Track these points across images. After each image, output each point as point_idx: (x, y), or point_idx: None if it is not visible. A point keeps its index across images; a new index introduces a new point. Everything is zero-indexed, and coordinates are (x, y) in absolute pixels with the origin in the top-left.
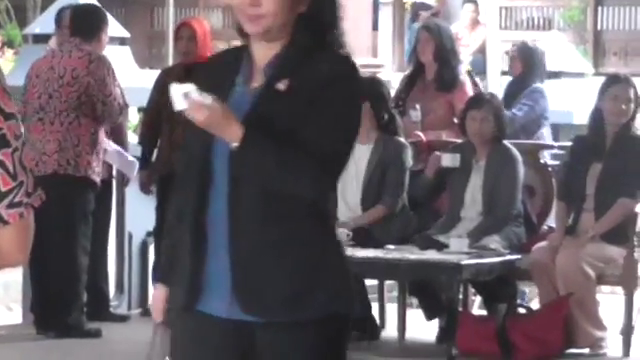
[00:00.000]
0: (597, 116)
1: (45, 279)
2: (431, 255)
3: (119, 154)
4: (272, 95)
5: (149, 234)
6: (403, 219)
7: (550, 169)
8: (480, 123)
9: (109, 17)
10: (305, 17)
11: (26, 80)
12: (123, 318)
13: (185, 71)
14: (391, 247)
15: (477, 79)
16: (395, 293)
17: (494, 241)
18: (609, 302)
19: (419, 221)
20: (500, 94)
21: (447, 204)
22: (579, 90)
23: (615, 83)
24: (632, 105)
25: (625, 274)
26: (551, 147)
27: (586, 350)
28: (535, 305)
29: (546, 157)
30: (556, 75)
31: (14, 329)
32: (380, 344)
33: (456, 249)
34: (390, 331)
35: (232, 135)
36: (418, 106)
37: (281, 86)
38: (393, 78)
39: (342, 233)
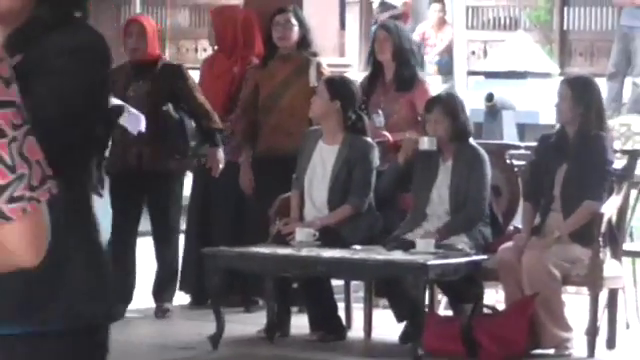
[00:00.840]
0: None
1: None
2: (397, 255)
3: (125, 108)
4: None
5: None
6: (370, 219)
7: (516, 169)
8: (434, 125)
9: None
10: None
11: None
12: None
13: (133, 69)
14: (357, 247)
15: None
16: (361, 293)
17: (460, 241)
18: (574, 302)
19: (385, 221)
20: (467, 94)
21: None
22: (545, 90)
23: (561, 83)
24: (571, 105)
25: (590, 274)
26: (517, 147)
27: (551, 351)
28: (501, 306)
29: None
30: (522, 75)
31: None
32: (346, 344)
33: (422, 249)
34: (356, 331)
35: None
36: (380, 111)
37: (13, 61)
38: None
39: (309, 233)
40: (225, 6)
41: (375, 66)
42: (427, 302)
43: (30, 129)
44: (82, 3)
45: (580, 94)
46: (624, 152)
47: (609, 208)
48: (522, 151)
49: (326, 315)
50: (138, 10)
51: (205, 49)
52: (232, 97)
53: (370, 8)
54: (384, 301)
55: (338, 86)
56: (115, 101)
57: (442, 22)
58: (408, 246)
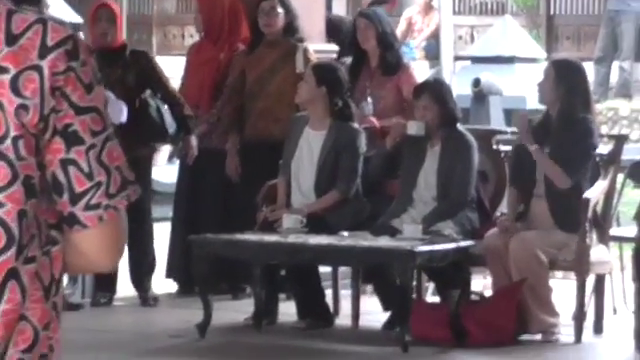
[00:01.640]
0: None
1: None
2: (384, 242)
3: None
4: None
5: None
6: (357, 205)
7: (503, 155)
8: (423, 111)
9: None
10: None
11: None
12: (76, 307)
13: (101, 55)
14: (345, 234)
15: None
16: (349, 280)
17: (448, 227)
18: (562, 288)
19: (373, 207)
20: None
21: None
22: (532, 75)
23: (547, 64)
24: (553, 85)
25: (577, 260)
26: (504, 132)
27: (538, 336)
28: (488, 292)
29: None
30: (509, 60)
31: None
32: (334, 331)
33: (409, 235)
34: (344, 318)
35: None
36: (370, 99)
37: None
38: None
39: (296, 219)
40: None
41: (358, 54)
42: (414, 288)
43: (112, 134)
44: None
45: (563, 75)
46: (610, 137)
47: (595, 193)
48: (509, 136)
49: (314, 302)
50: None
51: (192, 35)
52: (218, 84)
53: None
54: (371, 287)
55: (325, 72)
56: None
57: (429, 7)
58: (395, 232)
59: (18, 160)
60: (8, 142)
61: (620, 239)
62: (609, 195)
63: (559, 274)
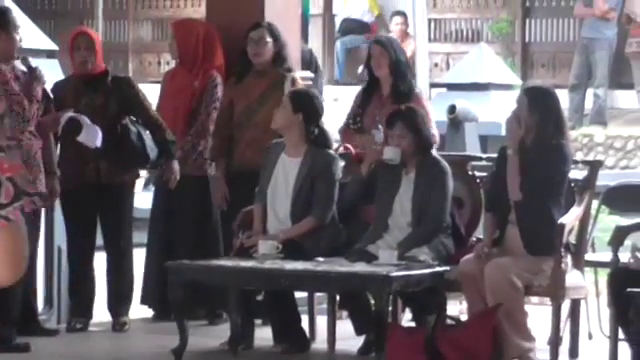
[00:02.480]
0: None
1: None
2: (360, 267)
3: (82, 122)
4: None
5: None
6: (332, 231)
7: (478, 181)
8: (397, 140)
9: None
10: None
11: None
12: (52, 332)
13: (82, 82)
14: (320, 259)
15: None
16: (325, 305)
17: (423, 253)
18: (537, 313)
19: (349, 233)
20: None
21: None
22: (507, 102)
23: (520, 91)
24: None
25: (553, 285)
26: (479, 159)
27: None
28: (464, 317)
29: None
30: (484, 87)
31: None
32: (310, 356)
33: (385, 261)
34: (320, 343)
35: None
36: (381, 127)
37: None
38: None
39: (272, 245)
40: (186, 19)
41: (371, 80)
42: (390, 313)
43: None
44: None
45: (536, 102)
46: (585, 162)
47: (570, 218)
48: (484, 162)
49: (290, 327)
50: (100, 24)
51: (168, 62)
52: (193, 111)
53: (333, 21)
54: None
55: (301, 99)
56: (70, 114)
57: (404, 35)
58: (371, 258)
59: None
60: None
61: (595, 264)
62: (584, 221)
63: (535, 299)
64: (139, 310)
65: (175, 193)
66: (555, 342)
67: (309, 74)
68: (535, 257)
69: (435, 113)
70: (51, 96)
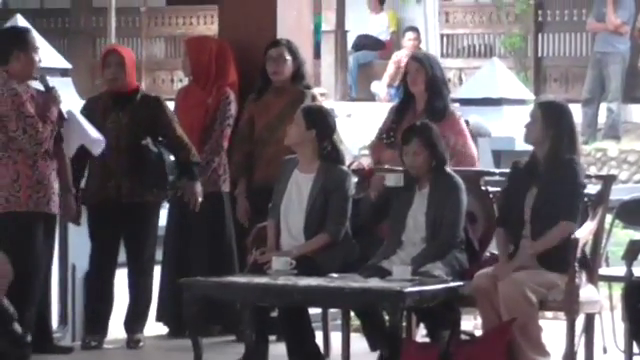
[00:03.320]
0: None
1: None
2: (374, 283)
3: (82, 127)
4: None
5: None
6: (346, 247)
7: (491, 196)
8: (413, 157)
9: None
10: None
11: None
12: (67, 350)
13: (111, 99)
14: (334, 275)
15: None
16: (339, 321)
17: (437, 268)
18: (552, 327)
19: (362, 249)
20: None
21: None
22: (520, 117)
23: (534, 106)
24: (541, 127)
25: (567, 300)
26: (492, 174)
27: None
28: (478, 332)
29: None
30: (497, 102)
31: None
32: None
33: (399, 276)
34: (334, 359)
35: None
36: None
37: None
38: (336, 107)
39: (285, 261)
40: (199, 36)
41: (406, 96)
42: (404, 329)
43: None
44: None
45: (551, 117)
46: (599, 177)
47: (584, 233)
48: (497, 177)
49: (304, 343)
50: (113, 42)
51: (181, 80)
52: (206, 128)
53: (345, 37)
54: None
55: (314, 115)
56: (94, 133)
57: (417, 50)
58: (384, 274)
59: None
60: None
61: (610, 279)
62: (598, 235)
63: (549, 314)
64: (154, 327)
65: (189, 210)
66: (570, 357)
67: (323, 90)
68: (549, 272)
69: None
70: (65, 117)
